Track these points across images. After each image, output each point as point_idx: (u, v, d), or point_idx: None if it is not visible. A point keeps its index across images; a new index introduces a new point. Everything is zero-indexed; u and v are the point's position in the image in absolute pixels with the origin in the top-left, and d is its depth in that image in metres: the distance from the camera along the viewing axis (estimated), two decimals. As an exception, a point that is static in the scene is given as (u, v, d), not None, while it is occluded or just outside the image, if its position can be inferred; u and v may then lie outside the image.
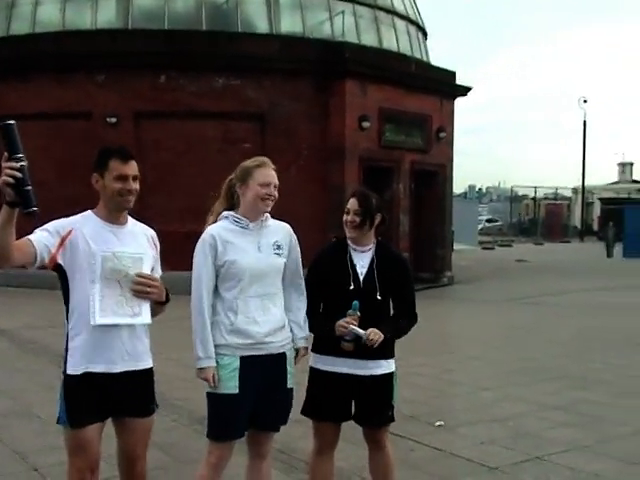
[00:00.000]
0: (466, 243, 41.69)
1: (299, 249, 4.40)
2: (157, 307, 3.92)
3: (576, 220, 65.12)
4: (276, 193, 4.21)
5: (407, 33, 23.39)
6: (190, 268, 4.18)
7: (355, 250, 4.48)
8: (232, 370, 4.08)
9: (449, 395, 8.80)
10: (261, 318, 4.13)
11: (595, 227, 62.87)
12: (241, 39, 19.30)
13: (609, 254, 37.87)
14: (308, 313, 4.40)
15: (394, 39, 22.51)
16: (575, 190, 66.92)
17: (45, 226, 3.70)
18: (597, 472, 5.89)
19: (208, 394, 4.17)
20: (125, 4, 19.81)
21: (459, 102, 23.35)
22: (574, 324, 14.73)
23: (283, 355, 4.23)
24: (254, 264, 4.13)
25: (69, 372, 3.70)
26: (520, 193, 72.35)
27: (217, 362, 4.08)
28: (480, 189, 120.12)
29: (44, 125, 18.52)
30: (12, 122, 3.27)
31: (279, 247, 4.25)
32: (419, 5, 24.96)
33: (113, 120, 18.36)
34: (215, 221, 4.28)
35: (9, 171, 3.20)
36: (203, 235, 4.18)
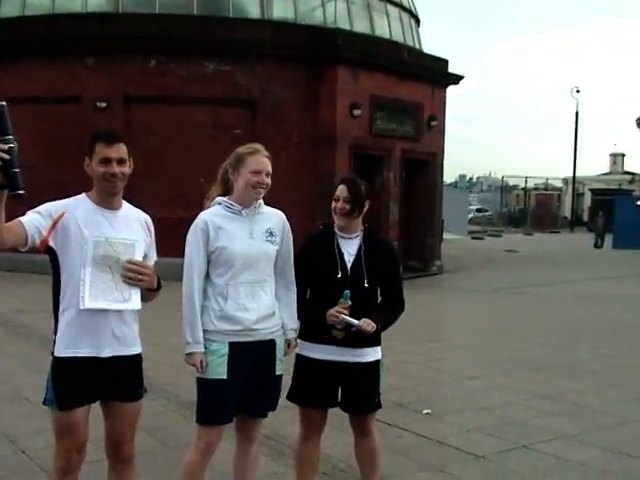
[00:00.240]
0: (456, 233, 41.73)
1: (292, 238, 4.39)
2: (148, 294, 3.91)
3: (566, 211, 65.25)
4: (269, 181, 4.19)
5: (400, 20, 23.31)
6: (181, 254, 4.17)
7: (342, 238, 4.48)
8: (221, 356, 4.08)
9: (437, 383, 8.83)
10: (251, 305, 4.13)
11: (585, 218, 63.01)
12: (232, 24, 19.19)
13: (598, 245, 37.98)
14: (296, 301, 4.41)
15: (386, 26, 22.44)
16: (566, 180, 66.99)
17: (37, 208, 3.70)
18: (583, 461, 5.94)
19: (197, 379, 4.18)
20: (116, -13, 19.67)
21: (451, 90, 23.34)
22: (562, 314, 14.80)
23: (272, 342, 4.23)
24: (246, 250, 4.12)
25: (57, 354, 3.70)
26: (511, 183, 72.54)
27: (206, 348, 4.09)
28: (471, 179, 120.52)
29: (34, 109, 18.40)
30: (3, 103, 3.25)
31: (272, 234, 4.24)
32: (412, -8, 24.89)
33: (103, 104, 18.26)
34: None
35: None
36: (195, 221, 4.18)
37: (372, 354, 4.46)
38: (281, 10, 20.44)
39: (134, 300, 3.79)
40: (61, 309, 3.72)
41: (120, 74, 18.26)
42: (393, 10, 23.00)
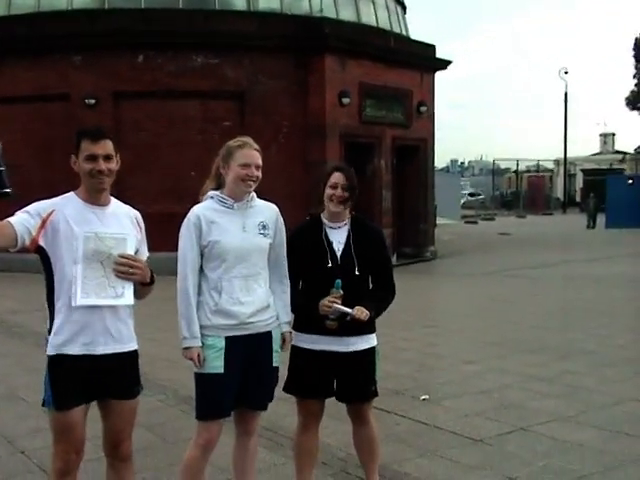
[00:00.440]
0: (449, 217, 41.79)
1: (284, 231, 4.40)
2: (142, 289, 3.90)
3: (558, 192, 65.24)
4: (258, 174, 4.19)
5: (386, 7, 23.28)
6: (174, 249, 4.18)
7: (331, 227, 4.48)
8: (217, 350, 4.09)
9: (433, 369, 8.86)
10: (245, 299, 4.13)
11: (578, 199, 63.03)
12: (218, 17, 19.16)
13: (590, 225, 38.03)
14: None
15: (373, 14, 22.41)
16: (557, 162, 66.95)
17: (26, 208, 3.68)
18: (581, 442, 5.97)
19: (195, 374, 4.19)
20: (101, -16, 19.60)
21: (441, 77, 23.44)
22: (556, 296, 14.84)
23: (269, 334, 4.24)
24: (238, 244, 4.13)
25: (52, 354, 3.69)
26: (502, 166, 72.57)
27: (202, 342, 4.10)
28: (462, 163, 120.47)
29: (22, 108, 18.41)
30: None
31: (264, 227, 4.24)
32: (397, -21, 24.83)
33: (92, 101, 18.22)
34: None
35: None
36: (188, 215, 4.18)
37: (367, 342, 4.46)
38: (267, 1, 20.39)
39: (127, 295, 3.78)
40: (55, 308, 3.71)
41: (108, 70, 18.21)
42: (379, -2, 22.95)
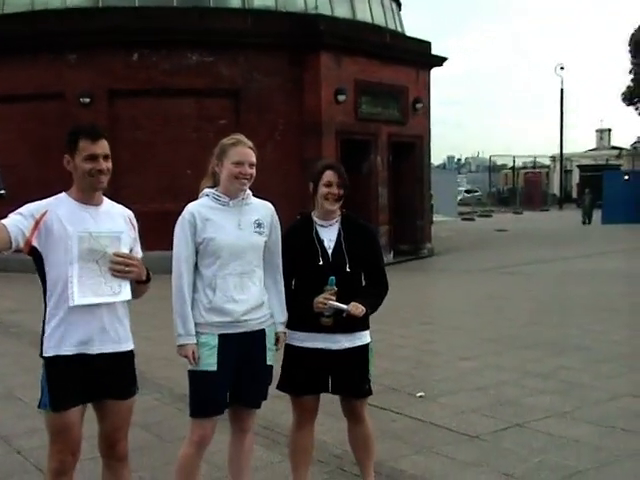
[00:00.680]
0: (446, 214, 41.83)
1: (280, 229, 4.40)
2: (138, 287, 3.90)
3: (555, 188, 65.27)
4: (252, 171, 4.20)
5: (381, 4, 23.27)
6: (167, 247, 4.18)
7: (321, 226, 4.49)
8: (211, 348, 4.10)
9: (430, 366, 8.86)
10: (239, 296, 4.14)
11: (574, 194, 63.05)
12: (213, 15, 19.16)
13: (586, 221, 38.03)
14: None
15: (368, 10, 22.40)
16: (553, 158, 66.99)
17: (19, 210, 3.67)
18: (576, 437, 5.98)
19: (189, 372, 4.20)
20: (95, -18, 19.57)
21: (437, 75, 23.40)
22: (551, 292, 14.86)
23: (262, 332, 4.24)
24: (233, 241, 4.13)
25: (49, 354, 3.68)
26: (499, 163, 72.57)
27: (196, 340, 4.11)
28: (459, 160, 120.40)
29: (17, 107, 18.38)
30: None
31: (260, 225, 4.24)
32: (392, -24, 24.82)
33: (87, 100, 18.21)
34: None
35: None
36: (183, 213, 4.19)
37: (360, 339, 4.47)
38: (261, -2, 20.37)
39: (124, 292, 3.77)
40: (50, 308, 3.70)
41: (103, 69, 18.20)
42: (374, -6, 22.94)
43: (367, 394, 4.57)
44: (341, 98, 19.47)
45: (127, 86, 18.28)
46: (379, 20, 22.74)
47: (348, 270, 4.39)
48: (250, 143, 4.25)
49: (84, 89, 18.20)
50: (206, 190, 4.26)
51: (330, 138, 19.29)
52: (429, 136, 23.50)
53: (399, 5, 25.43)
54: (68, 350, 3.66)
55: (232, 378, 4.16)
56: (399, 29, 24.37)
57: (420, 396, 7.24)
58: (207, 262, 4.14)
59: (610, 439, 5.95)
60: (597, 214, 37.98)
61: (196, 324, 4.11)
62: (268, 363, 4.29)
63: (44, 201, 3.75)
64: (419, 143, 22.80)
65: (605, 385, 7.58)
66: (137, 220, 4.02)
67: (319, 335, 4.34)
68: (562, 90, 59.41)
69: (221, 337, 4.11)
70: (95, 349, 3.70)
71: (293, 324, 4.42)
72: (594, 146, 75.81)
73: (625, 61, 64.94)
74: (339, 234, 4.47)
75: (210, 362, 4.10)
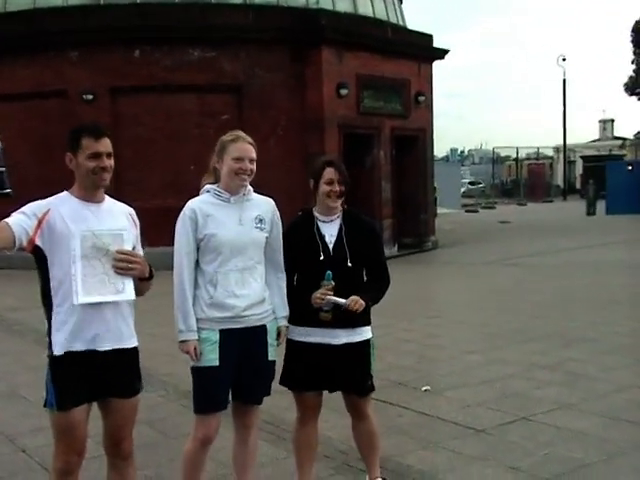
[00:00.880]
0: (449, 207, 41.72)
1: (281, 226, 4.39)
2: (142, 284, 3.90)
3: (559, 179, 65.12)
4: (252, 167, 4.20)
5: (382, -2, 23.18)
6: (170, 243, 4.18)
7: (323, 221, 4.49)
8: (212, 343, 4.11)
9: (435, 360, 8.85)
10: (241, 292, 4.14)
11: (578, 185, 62.90)
12: (214, 10, 19.10)
13: (590, 212, 37.91)
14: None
15: (369, 4, 22.31)
16: (557, 149, 66.81)
17: (22, 209, 3.68)
18: (583, 430, 5.97)
19: (192, 368, 4.21)
20: (96, -21, 19.53)
21: (439, 67, 23.34)
22: (556, 283, 14.81)
23: (263, 327, 4.24)
24: (234, 237, 4.13)
25: (54, 353, 3.68)
26: (502, 154, 72.35)
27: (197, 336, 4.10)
28: (462, 152, 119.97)
29: (19, 106, 18.36)
30: None
31: (261, 221, 4.25)
32: (393, -31, 24.71)
33: (89, 97, 18.17)
34: None
35: None
36: (184, 209, 4.20)
37: (360, 334, 4.47)
38: (262, -7, 20.30)
39: (128, 290, 3.77)
40: (54, 307, 3.70)
41: (105, 66, 18.15)
42: (375, -12, 22.85)
43: (369, 391, 4.57)
44: (343, 93, 19.41)
45: (129, 83, 18.24)
46: (381, 14, 22.65)
47: (349, 265, 4.39)
48: (250, 139, 4.26)
49: (86, 86, 18.16)
50: (207, 186, 4.27)
51: (333, 133, 19.25)
52: (432, 129, 23.43)
53: (400, -1, 25.34)
54: (74, 348, 3.67)
55: (233, 374, 4.16)
56: (401, 23, 24.28)
57: (425, 390, 7.23)
58: (208, 258, 4.14)
59: (616, 431, 5.94)
60: (601, 205, 37.86)
61: (197, 320, 4.13)
62: (270, 359, 4.29)
63: (46, 200, 3.76)
64: (422, 136, 22.74)
65: (611, 377, 7.56)
66: (139, 217, 4.02)
67: (318, 330, 4.35)
68: (564, 81, 59.31)
69: (222, 332, 4.11)
70: (100, 346, 3.71)
71: (294, 319, 4.43)
72: (597, 137, 75.59)
73: (627, 51, 64.82)
74: (340, 229, 4.47)
75: (212, 357, 4.10)
